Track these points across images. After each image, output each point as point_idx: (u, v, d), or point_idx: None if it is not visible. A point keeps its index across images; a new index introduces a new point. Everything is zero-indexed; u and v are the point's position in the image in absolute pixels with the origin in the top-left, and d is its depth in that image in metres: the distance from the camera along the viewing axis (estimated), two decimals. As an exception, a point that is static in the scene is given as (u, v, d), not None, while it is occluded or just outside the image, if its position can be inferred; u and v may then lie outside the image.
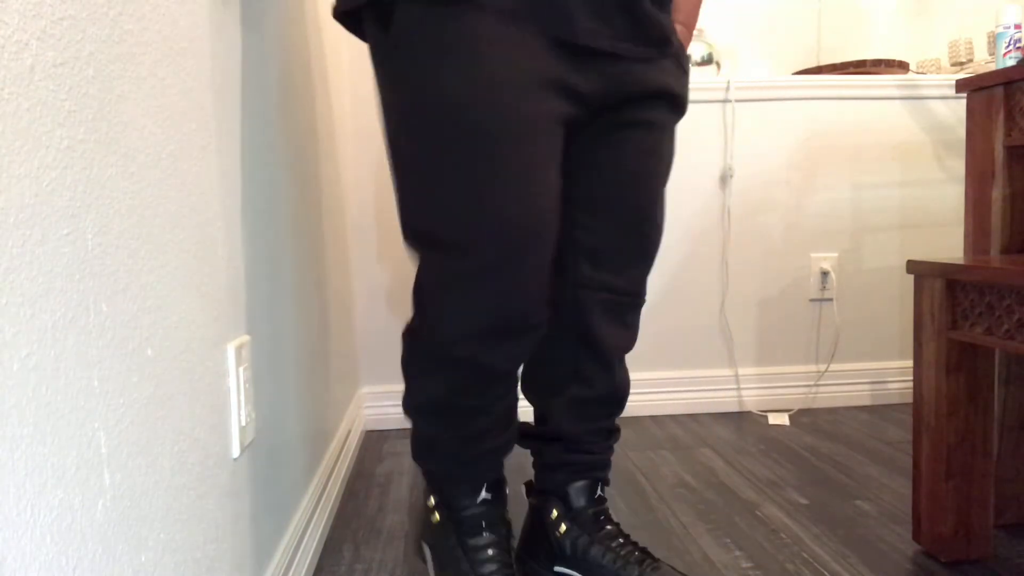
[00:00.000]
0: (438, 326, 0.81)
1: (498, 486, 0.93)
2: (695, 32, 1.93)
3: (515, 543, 1.00)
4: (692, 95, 1.89)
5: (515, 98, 0.74)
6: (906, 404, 1.95)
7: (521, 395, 1.02)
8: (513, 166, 0.74)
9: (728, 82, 1.88)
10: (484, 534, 0.91)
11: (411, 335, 0.87)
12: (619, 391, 0.99)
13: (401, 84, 0.77)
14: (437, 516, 0.94)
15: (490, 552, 0.90)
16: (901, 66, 1.97)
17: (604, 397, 0.97)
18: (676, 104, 0.91)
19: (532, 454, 1.02)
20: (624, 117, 0.87)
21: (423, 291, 0.83)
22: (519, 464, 1.04)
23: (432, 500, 0.94)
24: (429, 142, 0.76)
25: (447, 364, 0.82)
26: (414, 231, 0.82)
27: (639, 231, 0.92)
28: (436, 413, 0.88)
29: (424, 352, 0.85)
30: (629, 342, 0.98)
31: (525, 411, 1.05)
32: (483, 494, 0.91)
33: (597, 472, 0.99)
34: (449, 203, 0.75)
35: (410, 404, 0.91)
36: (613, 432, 1.00)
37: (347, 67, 1.81)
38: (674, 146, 0.95)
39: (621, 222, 0.91)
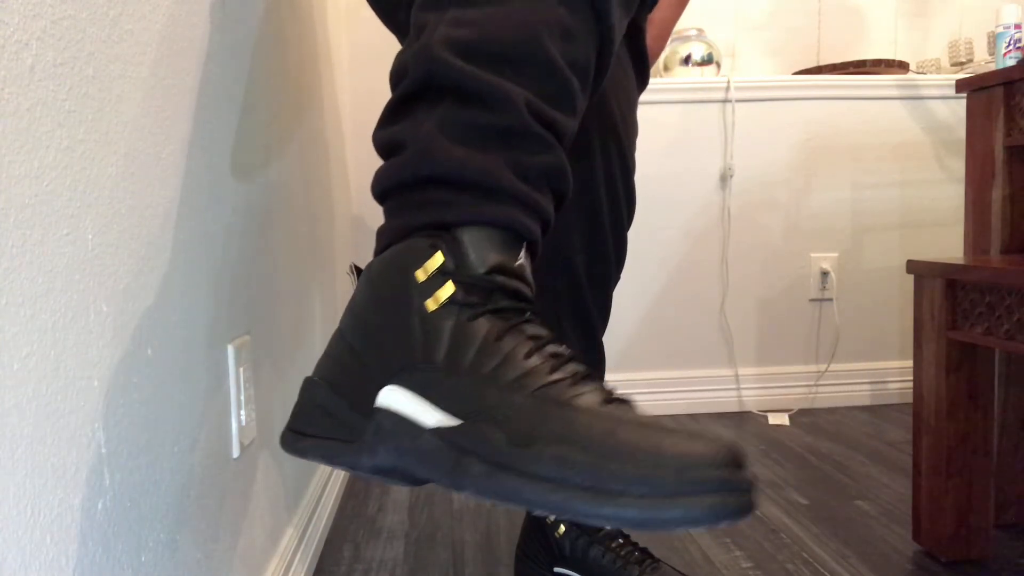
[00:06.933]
0: None
1: (533, 256, 0.55)
2: (695, 32, 1.94)
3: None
4: (692, 95, 1.89)
5: None
6: (906, 404, 1.95)
7: None
8: None
9: (728, 82, 1.88)
10: (538, 323, 0.51)
11: None
12: (602, 359, 1.00)
13: None
14: (448, 287, 0.49)
15: (564, 350, 0.49)
16: (901, 66, 1.97)
17: (590, 362, 0.97)
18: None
19: None
20: None
21: None
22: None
23: (439, 259, 0.49)
24: None
25: None
26: None
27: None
28: (511, 54, 0.52)
29: None
30: (606, 314, 0.98)
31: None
32: (522, 254, 0.52)
33: None
34: None
35: (460, 43, 0.52)
36: None
37: (348, 67, 1.81)
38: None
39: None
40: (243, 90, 0.83)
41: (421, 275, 0.49)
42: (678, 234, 1.92)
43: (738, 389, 1.96)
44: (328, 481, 1.27)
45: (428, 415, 0.46)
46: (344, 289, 1.66)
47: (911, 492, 1.11)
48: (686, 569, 1.06)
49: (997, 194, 1.14)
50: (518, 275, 0.51)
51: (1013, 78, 1.10)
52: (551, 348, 0.48)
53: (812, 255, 1.96)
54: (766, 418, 1.86)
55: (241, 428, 0.76)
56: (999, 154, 1.14)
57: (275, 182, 0.98)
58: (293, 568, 0.96)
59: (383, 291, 0.51)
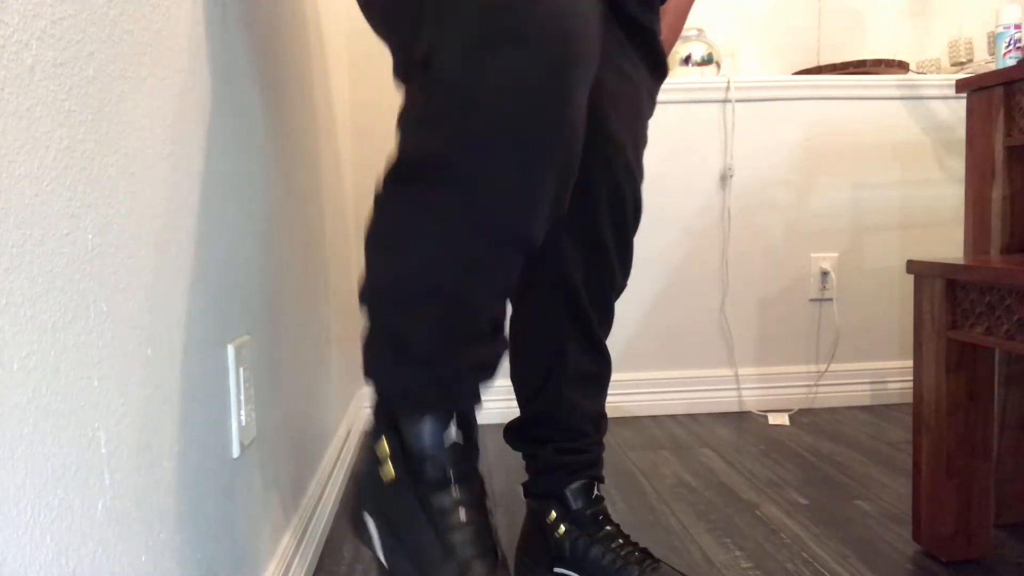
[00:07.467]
0: (435, 135, 0.61)
1: (470, 427, 0.73)
2: (695, 32, 1.94)
3: (495, 510, 0.86)
4: (692, 95, 1.89)
5: None
6: (906, 404, 1.95)
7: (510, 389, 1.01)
8: None
9: (728, 82, 1.88)
10: (453, 490, 0.69)
11: (392, 174, 0.66)
12: (605, 369, 1.00)
13: None
14: (391, 469, 0.70)
15: (462, 516, 0.68)
16: (901, 66, 1.97)
17: (593, 373, 0.98)
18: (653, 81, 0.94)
19: (524, 458, 1.02)
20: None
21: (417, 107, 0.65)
22: (517, 464, 1.04)
23: (385, 447, 0.71)
24: None
25: (432, 205, 0.63)
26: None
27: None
28: (410, 297, 0.66)
29: (407, 195, 0.64)
30: (608, 323, 0.99)
31: (510, 411, 1.05)
32: (453, 432, 0.70)
33: (591, 470, 0.98)
34: None
35: (376, 286, 0.69)
36: (602, 419, 1.00)
37: (347, 68, 1.81)
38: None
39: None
40: (243, 90, 0.83)
41: (379, 454, 0.72)
42: (678, 234, 1.92)
43: (738, 389, 1.96)
44: (328, 481, 1.27)
45: (376, 546, 0.72)
46: (343, 289, 1.66)
47: (911, 492, 1.11)
48: (686, 569, 1.06)
49: (997, 194, 1.14)
50: (448, 446, 0.70)
51: (1013, 78, 1.10)
52: (448, 519, 0.68)
53: (812, 255, 1.96)
54: (766, 418, 1.86)
55: (241, 428, 0.76)
56: (999, 154, 1.14)
57: (275, 182, 0.98)
58: (293, 568, 0.96)
59: (366, 456, 0.74)
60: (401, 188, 0.65)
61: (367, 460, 0.73)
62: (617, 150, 0.90)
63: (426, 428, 0.70)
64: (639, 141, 0.94)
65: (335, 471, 1.35)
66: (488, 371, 0.71)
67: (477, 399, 0.72)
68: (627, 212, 0.94)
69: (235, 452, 0.75)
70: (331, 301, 1.45)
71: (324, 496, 1.22)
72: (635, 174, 0.94)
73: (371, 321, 0.70)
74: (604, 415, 1.01)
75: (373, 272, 0.69)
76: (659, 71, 0.95)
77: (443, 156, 0.62)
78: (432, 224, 0.63)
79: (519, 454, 1.04)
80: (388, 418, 0.72)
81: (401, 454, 0.70)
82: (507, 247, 0.65)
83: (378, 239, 0.68)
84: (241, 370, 0.77)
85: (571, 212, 0.91)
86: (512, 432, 1.02)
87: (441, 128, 0.61)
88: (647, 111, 0.96)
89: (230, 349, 0.75)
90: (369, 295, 0.69)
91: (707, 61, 1.92)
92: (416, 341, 0.67)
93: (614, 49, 0.88)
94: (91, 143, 0.47)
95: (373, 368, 0.71)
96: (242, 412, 0.77)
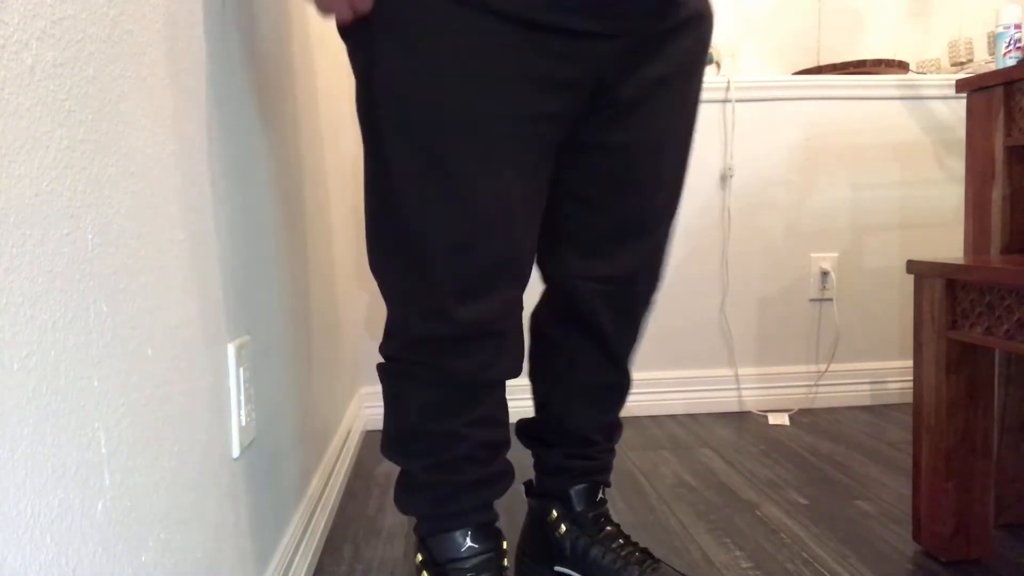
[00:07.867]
0: (402, 328, 0.80)
1: (486, 534, 0.85)
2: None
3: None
4: (692, 95, 1.89)
5: (483, 96, 0.71)
6: (906, 404, 1.95)
7: (513, 396, 1.02)
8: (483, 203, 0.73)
9: (728, 82, 1.88)
10: None
11: (382, 352, 0.85)
12: (622, 382, 0.98)
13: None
14: (426, 574, 0.85)
15: None
16: (901, 66, 1.97)
17: (606, 385, 0.97)
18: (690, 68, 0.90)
19: (532, 456, 1.02)
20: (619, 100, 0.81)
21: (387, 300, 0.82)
22: (520, 463, 1.04)
23: (419, 557, 0.86)
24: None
25: (413, 374, 0.81)
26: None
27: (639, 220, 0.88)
28: (406, 441, 0.84)
29: (393, 369, 0.83)
30: (630, 334, 0.95)
31: (524, 410, 1.05)
32: (466, 544, 0.83)
33: (598, 476, 0.98)
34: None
35: (387, 434, 0.86)
36: (615, 429, 1.00)
37: (347, 68, 1.81)
38: (695, 113, 0.93)
39: (617, 217, 0.87)
40: (243, 90, 0.83)
41: (417, 564, 0.86)
42: (678, 234, 1.92)
43: (738, 389, 1.96)
44: (328, 481, 1.27)
45: None
46: (344, 289, 1.66)
47: (911, 492, 1.11)
48: (686, 569, 1.06)
49: (997, 194, 1.14)
50: (463, 556, 0.83)
51: (1013, 78, 1.10)
52: None
53: (812, 255, 1.96)
54: (766, 418, 1.86)
55: (241, 428, 0.76)
56: (999, 154, 1.14)
57: (275, 182, 0.98)
58: (293, 568, 0.96)
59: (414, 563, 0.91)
60: (385, 368, 0.84)
61: (413, 564, 0.97)
62: (637, 192, 0.86)
63: (444, 541, 0.84)
64: (678, 150, 0.89)
65: (335, 471, 1.35)
66: (485, 489, 0.85)
67: (485, 512, 0.85)
68: (651, 233, 0.89)
69: (235, 452, 0.75)
70: (331, 301, 1.45)
71: (324, 496, 1.22)
72: (656, 196, 0.88)
73: (391, 460, 0.87)
74: (617, 424, 1.00)
75: (384, 423, 0.86)
76: (700, 41, 0.91)
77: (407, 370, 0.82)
78: (406, 394, 0.82)
79: (520, 452, 1.03)
80: (419, 534, 0.86)
81: (430, 563, 0.84)
82: (467, 396, 0.81)
83: (383, 399, 0.86)
84: (241, 370, 0.77)
85: (583, 231, 0.89)
86: (523, 430, 1.02)
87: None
88: (693, 98, 0.91)
89: (230, 349, 0.75)
90: (383, 440, 0.86)
91: (707, 61, 1.91)
92: (415, 473, 0.84)
93: (643, 66, 0.82)
94: (91, 143, 0.47)
95: (396, 496, 0.87)
96: (242, 412, 0.77)
